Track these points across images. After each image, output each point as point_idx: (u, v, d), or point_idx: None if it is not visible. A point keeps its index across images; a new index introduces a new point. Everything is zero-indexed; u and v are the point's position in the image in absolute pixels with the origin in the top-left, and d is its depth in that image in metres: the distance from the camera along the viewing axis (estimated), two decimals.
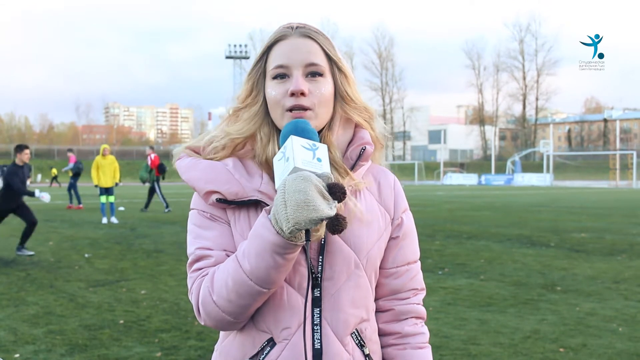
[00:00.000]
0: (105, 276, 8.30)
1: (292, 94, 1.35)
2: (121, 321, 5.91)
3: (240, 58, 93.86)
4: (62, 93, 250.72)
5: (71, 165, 21.80)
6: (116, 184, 16.74)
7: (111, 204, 16.32)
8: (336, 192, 1.21)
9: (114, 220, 15.99)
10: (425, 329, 1.53)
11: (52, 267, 9.04)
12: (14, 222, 16.13)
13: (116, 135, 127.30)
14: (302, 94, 1.35)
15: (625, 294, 7.08)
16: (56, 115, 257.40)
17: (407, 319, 1.51)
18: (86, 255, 10.10)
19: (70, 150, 26.81)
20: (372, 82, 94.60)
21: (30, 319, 6.02)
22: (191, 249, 1.41)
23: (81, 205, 21.23)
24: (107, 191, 16.37)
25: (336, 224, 1.21)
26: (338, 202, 1.22)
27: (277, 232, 1.23)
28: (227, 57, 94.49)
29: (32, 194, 10.38)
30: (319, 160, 1.25)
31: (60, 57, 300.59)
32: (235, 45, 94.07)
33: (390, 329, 1.50)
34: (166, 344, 5.20)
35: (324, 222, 1.22)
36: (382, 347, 1.50)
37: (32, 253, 10.13)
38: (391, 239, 1.49)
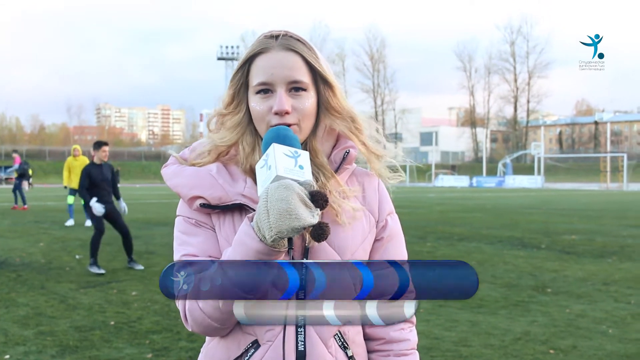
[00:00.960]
0: (96, 277, 8.27)
1: (276, 113, 1.36)
2: (112, 322, 5.90)
3: (232, 59, 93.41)
4: (54, 94, 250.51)
5: (16, 166, 21.74)
6: None
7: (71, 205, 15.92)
8: (318, 199, 1.22)
9: (70, 222, 15.61)
10: (411, 335, 1.51)
11: (43, 268, 9.01)
12: (5, 223, 16.06)
13: (107, 137, 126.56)
14: (287, 112, 1.36)
15: (616, 296, 7.12)
16: (47, 116, 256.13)
17: (393, 323, 1.49)
18: (77, 256, 10.07)
19: (15, 151, 26.68)
20: (364, 84, 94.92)
21: (20, 320, 6.00)
22: (177, 255, 1.41)
23: (25, 207, 21.06)
24: (75, 192, 15.76)
25: (319, 232, 1.22)
26: (320, 210, 1.22)
27: (260, 240, 1.23)
28: (219, 59, 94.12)
29: (86, 199, 8.90)
30: (301, 167, 1.25)
31: (52, 58, 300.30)
32: (227, 47, 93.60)
33: (376, 334, 1.49)
34: (157, 345, 5.19)
35: (307, 230, 1.23)
36: (368, 352, 1.50)
37: (141, 267, 9.07)
38: (376, 240, 1.49)
